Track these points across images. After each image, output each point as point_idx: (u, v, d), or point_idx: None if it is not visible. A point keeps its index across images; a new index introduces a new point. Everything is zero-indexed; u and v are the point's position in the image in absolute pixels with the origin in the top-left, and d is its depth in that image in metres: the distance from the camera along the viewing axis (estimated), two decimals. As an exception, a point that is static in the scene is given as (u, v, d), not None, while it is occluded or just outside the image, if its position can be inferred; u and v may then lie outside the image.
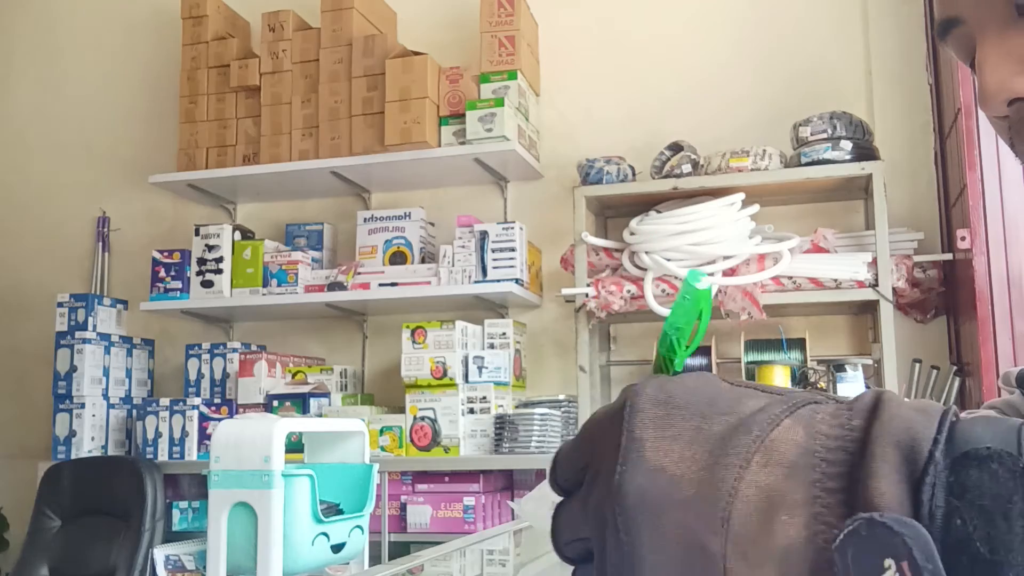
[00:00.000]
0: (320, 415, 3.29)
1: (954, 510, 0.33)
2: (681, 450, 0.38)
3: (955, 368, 2.94)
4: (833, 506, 0.35)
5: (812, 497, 0.35)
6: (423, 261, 3.47)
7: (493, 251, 3.28)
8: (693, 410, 0.39)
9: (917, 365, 2.99)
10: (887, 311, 2.87)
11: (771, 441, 0.37)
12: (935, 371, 2.96)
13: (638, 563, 0.37)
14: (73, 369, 3.54)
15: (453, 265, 3.31)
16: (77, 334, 3.57)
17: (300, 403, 3.31)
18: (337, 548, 2.16)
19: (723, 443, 0.37)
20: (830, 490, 0.35)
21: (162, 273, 3.56)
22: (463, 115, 3.34)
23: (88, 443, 3.50)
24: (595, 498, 0.39)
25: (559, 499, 0.45)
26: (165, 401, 3.45)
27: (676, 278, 2.99)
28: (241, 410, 3.40)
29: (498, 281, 3.25)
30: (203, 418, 3.41)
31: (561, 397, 3.27)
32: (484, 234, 3.31)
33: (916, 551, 0.31)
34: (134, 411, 3.58)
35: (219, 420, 3.12)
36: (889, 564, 0.32)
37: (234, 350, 3.56)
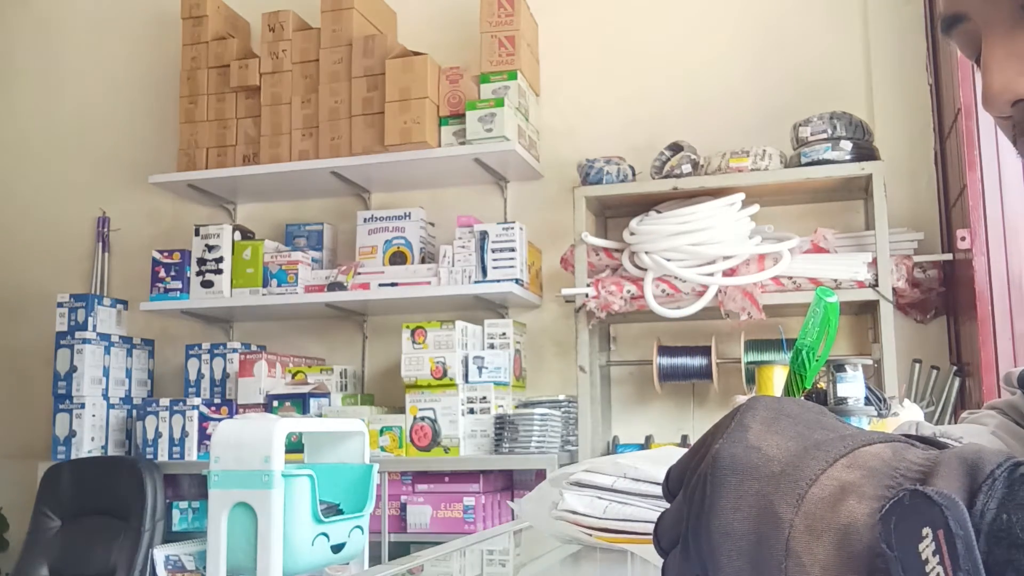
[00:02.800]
0: (320, 415, 3.29)
1: (1002, 508, 0.36)
2: (779, 441, 0.42)
3: (955, 368, 2.94)
4: None
5: (882, 492, 0.38)
6: (423, 261, 3.47)
7: (493, 251, 3.28)
8: (799, 420, 0.44)
9: (917, 365, 2.99)
10: (887, 311, 2.87)
11: (860, 452, 0.41)
12: (935, 371, 2.96)
13: (715, 514, 0.41)
14: (73, 369, 3.54)
15: (453, 265, 3.32)
16: (77, 334, 3.57)
17: (300, 403, 3.31)
18: (337, 548, 2.16)
19: (817, 445, 0.42)
20: (900, 487, 0.38)
21: (162, 273, 3.56)
22: (463, 115, 3.34)
23: (88, 443, 3.50)
24: (697, 468, 0.44)
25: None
26: (165, 401, 3.45)
27: (676, 278, 2.99)
28: (241, 410, 3.40)
29: (498, 281, 3.25)
30: (203, 418, 3.41)
31: (561, 397, 3.27)
32: (484, 234, 3.31)
33: (952, 520, 0.34)
34: (134, 411, 3.58)
35: (219, 420, 3.12)
36: (927, 532, 0.35)
37: (234, 350, 3.56)
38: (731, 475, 0.42)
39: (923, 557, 0.35)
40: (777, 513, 0.40)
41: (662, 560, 0.46)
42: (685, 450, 0.49)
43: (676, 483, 0.46)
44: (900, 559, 0.35)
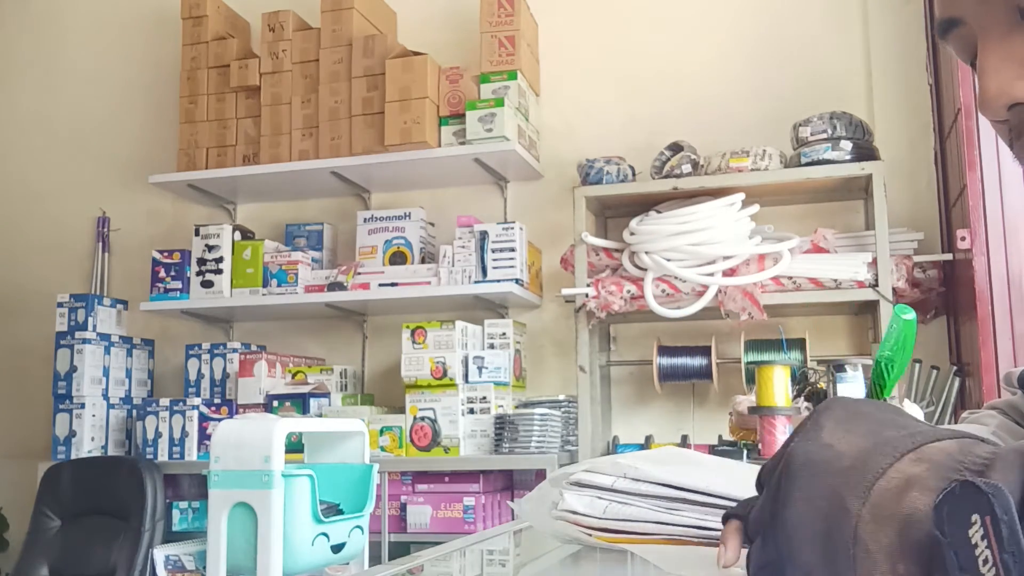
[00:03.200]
0: (320, 415, 3.29)
1: None
2: (851, 439, 0.46)
3: (955, 368, 2.94)
4: None
5: (944, 485, 0.40)
6: (423, 261, 3.47)
7: (493, 251, 3.28)
8: (872, 419, 0.47)
9: (917, 365, 2.99)
10: (887, 311, 2.86)
11: (927, 448, 0.44)
12: (935, 371, 2.96)
13: (789, 506, 0.45)
14: (73, 369, 3.54)
15: (453, 265, 3.32)
16: (77, 334, 3.57)
17: (300, 403, 3.31)
18: (337, 548, 2.16)
19: (886, 442, 0.45)
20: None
21: (162, 273, 3.56)
22: (463, 115, 3.34)
23: (88, 443, 3.50)
24: (777, 464, 0.48)
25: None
26: (165, 401, 3.45)
27: (676, 278, 2.99)
28: (241, 410, 3.40)
29: (498, 281, 3.26)
30: (203, 418, 3.41)
31: (561, 397, 3.27)
32: (484, 234, 3.31)
33: (997, 507, 0.37)
34: (134, 411, 3.58)
35: (219, 420, 3.12)
36: (975, 519, 0.38)
37: (234, 350, 3.56)
38: (804, 470, 0.45)
39: (973, 541, 0.37)
40: (846, 504, 0.43)
41: (746, 549, 0.51)
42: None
43: (763, 479, 0.51)
44: (952, 544, 0.38)
